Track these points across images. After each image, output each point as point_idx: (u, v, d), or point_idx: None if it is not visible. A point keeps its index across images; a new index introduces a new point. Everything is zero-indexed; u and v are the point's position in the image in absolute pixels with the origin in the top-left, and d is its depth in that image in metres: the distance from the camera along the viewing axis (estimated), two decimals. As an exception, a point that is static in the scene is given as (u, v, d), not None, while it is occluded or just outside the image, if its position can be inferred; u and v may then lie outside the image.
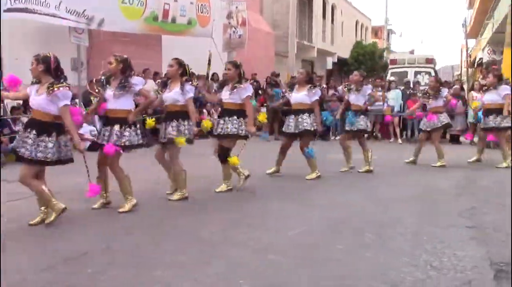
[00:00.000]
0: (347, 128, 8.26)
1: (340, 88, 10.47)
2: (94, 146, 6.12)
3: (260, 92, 14.71)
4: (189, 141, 5.92)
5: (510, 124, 8.64)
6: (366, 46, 33.50)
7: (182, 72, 6.03)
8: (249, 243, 4.45)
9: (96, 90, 5.70)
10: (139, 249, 4.27)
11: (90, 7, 11.46)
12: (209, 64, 13.03)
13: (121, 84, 5.38)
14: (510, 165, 8.55)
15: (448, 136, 13.10)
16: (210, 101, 7.91)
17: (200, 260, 4.00)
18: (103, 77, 5.61)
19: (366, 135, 8.72)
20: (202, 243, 4.44)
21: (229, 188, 6.56)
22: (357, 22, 35.99)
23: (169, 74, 6.12)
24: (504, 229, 4.87)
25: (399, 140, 13.37)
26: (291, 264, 3.93)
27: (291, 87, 7.72)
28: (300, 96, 7.42)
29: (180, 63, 6.04)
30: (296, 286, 3.55)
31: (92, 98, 5.98)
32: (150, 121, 6.06)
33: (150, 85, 9.78)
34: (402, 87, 14.41)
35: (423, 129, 9.08)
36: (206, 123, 6.37)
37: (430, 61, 18.61)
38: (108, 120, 5.48)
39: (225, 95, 6.49)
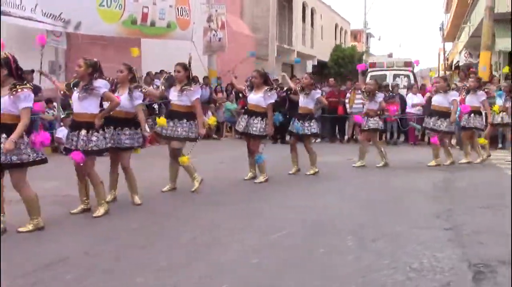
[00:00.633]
0: (290, 129, 8.27)
1: None
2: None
3: (240, 95, 14.71)
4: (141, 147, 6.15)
5: (452, 129, 9.04)
6: (346, 49, 33.80)
7: (132, 78, 6.03)
8: (232, 246, 4.45)
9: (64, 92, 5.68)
10: (120, 253, 4.24)
11: (67, 10, 11.34)
12: (189, 67, 12.96)
13: (85, 87, 5.30)
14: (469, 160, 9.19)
15: (426, 139, 13.26)
16: (150, 96, 7.80)
17: (182, 264, 3.99)
18: (73, 81, 5.57)
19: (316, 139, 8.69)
20: (184, 247, 4.43)
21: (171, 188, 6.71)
22: (336, 26, 36.25)
23: (119, 80, 6.02)
24: (481, 230, 4.95)
25: (379, 143, 13.47)
26: (274, 267, 3.95)
27: (250, 87, 7.62)
28: (256, 98, 7.36)
29: (130, 69, 6.01)
30: (278, 290, 3.57)
31: (70, 101, 5.93)
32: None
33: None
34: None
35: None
36: (162, 121, 6.31)
37: (408, 64, 18.83)
38: (74, 124, 5.44)
39: (173, 96, 6.53)
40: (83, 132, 5.24)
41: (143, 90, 6.19)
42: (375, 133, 9.28)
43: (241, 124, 7.44)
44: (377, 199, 6.48)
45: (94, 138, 5.26)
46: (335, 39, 35.62)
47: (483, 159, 9.51)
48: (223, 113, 14.56)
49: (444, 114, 8.86)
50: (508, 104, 9.96)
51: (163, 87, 6.68)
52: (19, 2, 10.49)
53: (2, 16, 10.34)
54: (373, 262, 4.05)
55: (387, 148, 12.53)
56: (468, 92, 9.53)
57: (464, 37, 23.11)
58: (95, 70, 5.35)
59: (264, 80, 7.39)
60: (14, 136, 4.50)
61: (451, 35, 30.05)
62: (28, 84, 4.73)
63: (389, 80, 16.42)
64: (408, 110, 13.59)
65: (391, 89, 14.01)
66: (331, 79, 15.58)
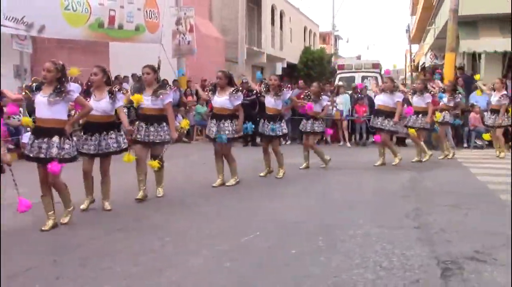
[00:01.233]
0: (261, 132, 8.18)
1: None
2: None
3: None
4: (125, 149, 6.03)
5: (397, 129, 9.37)
6: (315, 51, 34.06)
7: (107, 80, 5.90)
8: (202, 250, 4.43)
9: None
10: (88, 261, 4.17)
11: (30, 13, 11.06)
12: (158, 70, 12.87)
13: (57, 90, 4.99)
14: (400, 158, 9.35)
15: (394, 139, 13.48)
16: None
17: (153, 270, 3.95)
18: (34, 84, 5.26)
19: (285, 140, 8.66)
20: (154, 253, 4.39)
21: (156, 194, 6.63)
22: (305, 28, 36.53)
23: (94, 83, 5.81)
24: (448, 228, 5.06)
25: (348, 144, 13.65)
26: (245, 270, 3.95)
27: (213, 90, 7.43)
28: (221, 100, 7.21)
29: (104, 70, 5.87)
30: (251, 292, 3.57)
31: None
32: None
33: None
34: (350, 92, 14.73)
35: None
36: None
37: (376, 66, 19.14)
38: (41, 130, 5.06)
39: (145, 100, 6.32)
40: (56, 139, 5.00)
41: (123, 91, 6.09)
42: (317, 136, 9.28)
43: (211, 130, 7.28)
44: (346, 200, 6.55)
45: (66, 146, 5.07)
46: (304, 41, 35.89)
47: (429, 157, 9.82)
48: (193, 116, 14.50)
49: (389, 114, 9.08)
50: (451, 104, 10.28)
51: (130, 91, 6.58)
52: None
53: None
54: (343, 262, 4.09)
55: (357, 149, 12.79)
56: (414, 93, 10.01)
57: (430, 39, 23.56)
58: (63, 74, 5.15)
59: (228, 81, 7.27)
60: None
61: (417, 37, 30.60)
62: None
63: (358, 82, 16.63)
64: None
65: (359, 91, 14.19)
66: (301, 81, 15.69)
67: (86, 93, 5.82)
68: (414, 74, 30.36)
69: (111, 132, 5.85)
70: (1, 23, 10.48)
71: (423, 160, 9.73)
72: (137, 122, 6.50)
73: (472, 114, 12.66)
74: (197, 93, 14.98)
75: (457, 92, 10.47)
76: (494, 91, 10.49)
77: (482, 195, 6.74)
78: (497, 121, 10.33)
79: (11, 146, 9.29)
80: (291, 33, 32.40)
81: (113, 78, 12.53)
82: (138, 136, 6.36)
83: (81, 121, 5.79)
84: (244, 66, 19.78)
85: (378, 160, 9.39)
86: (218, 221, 5.51)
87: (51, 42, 12.76)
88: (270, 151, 8.21)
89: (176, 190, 6.98)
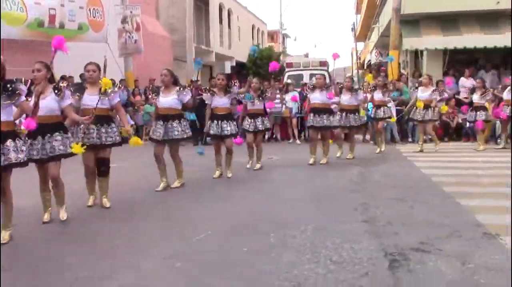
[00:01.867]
0: (211, 132, 7.89)
1: None
2: None
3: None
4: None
5: (337, 123, 9.66)
6: (263, 50, 34.23)
7: (51, 77, 5.40)
8: (154, 252, 4.38)
9: None
10: (37, 265, 4.05)
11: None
12: (104, 70, 12.62)
13: (8, 92, 4.59)
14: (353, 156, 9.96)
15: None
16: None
17: (103, 273, 3.87)
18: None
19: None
20: (105, 256, 4.30)
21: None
22: (253, 27, 36.65)
23: (37, 80, 5.28)
24: (394, 221, 5.21)
25: (298, 141, 13.81)
26: (197, 270, 3.93)
27: (156, 91, 7.11)
28: (168, 100, 6.93)
29: (47, 66, 5.36)
30: (203, 292, 3.56)
31: None
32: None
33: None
34: (299, 89, 14.90)
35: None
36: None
37: (323, 63, 19.46)
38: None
39: (91, 100, 5.83)
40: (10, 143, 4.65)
41: (71, 88, 5.70)
42: (262, 134, 9.14)
43: (158, 132, 6.91)
44: (296, 196, 6.62)
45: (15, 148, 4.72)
46: (253, 40, 36.00)
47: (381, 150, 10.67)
48: (142, 116, 14.28)
49: (352, 111, 9.57)
50: (386, 98, 10.83)
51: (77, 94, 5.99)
52: None
53: None
54: (295, 257, 4.14)
55: (306, 145, 12.89)
56: (375, 89, 10.74)
57: (374, 37, 24.17)
58: (5, 72, 4.79)
59: (174, 79, 7.04)
60: None
61: (363, 35, 31.33)
62: None
63: (306, 79, 16.84)
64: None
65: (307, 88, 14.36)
66: (250, 77, 15.70)
67: (28, 92, 5.29)
68: (360, 71, 31.07)
69: (56, 133, 5.29)
70: None
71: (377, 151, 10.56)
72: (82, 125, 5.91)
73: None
74: (145, 92, 14.80)
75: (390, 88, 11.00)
76: (421, 86, 10.77)
77: (427, 188, 6.97)
78: (426, 116, 10.60)
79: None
80: (240, 31, 32.44)
81: (58, 78, 12.24)
82: (86, 140, 5.83)
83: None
84: (192, 65, 19.62)
85: (338, 151, 10.09)
86: (168, 223, 5.45)
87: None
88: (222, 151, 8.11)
89: (126, 193, 6.85)
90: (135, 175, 8.53)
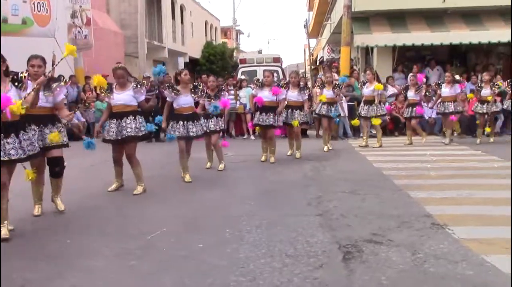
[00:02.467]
0: (177, 134, 7.36)
1: None
2: None
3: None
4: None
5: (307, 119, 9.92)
6: (217, 46, 34.13)
7: (6, 69, 4.81)
8: (105, 251, 4.29)
9: None
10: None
11: None
12: (53, 66, 12.23)
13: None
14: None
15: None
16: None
17: (52, 275, 3.77)
18: None
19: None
20: (54, 256, 4.19)
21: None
22: (206, 23, 36.44)
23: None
24: (347, 214, 5.32)
25: (252, 136, 13.85)
26: (151, 268, 3.88)
27: (109, 89, 6.63)
28: (123, 97, 6.50)
29: (3, 58, 4.79)
30: (158, 290, 3.52)
31: None
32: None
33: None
34: (253, 85, 14.92)
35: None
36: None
37: (277, 60, 19.58)
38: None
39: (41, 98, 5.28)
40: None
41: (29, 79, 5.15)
42: (218, 134, 8.60)
43: (111, 131, 6.48)
44: (251, 192, 6.65)
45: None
46: (206, 36, 35.82)
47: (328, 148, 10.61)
48: (93, 113, 13.96)
49: (297, 107, 9.41)
50: (336, 95, 10.75)
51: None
52: None
53: None
54: (250, 252, 4.16)
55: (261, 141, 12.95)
56: (323, 86, 10.85)
57: (326, 34, 24.46)
58: None
59: (128, 75, 6.65)
60: None
61: (315, 32, 31.64)
62: None
63: (259, 76, 16.89)
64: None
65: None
66: (204, 76, 15.65)
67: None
68: (313, 67, 31.41)
69: (13, 134, 4.70)
70: None
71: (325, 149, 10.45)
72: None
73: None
74: (96, 89, 14.47)
75: (337, 84, 10.81)
76: (366, 83, 10.95)
77: (378, 181, 7.14)
78: (371, 111, 10.77)
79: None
80: (193, 27, 32.18)
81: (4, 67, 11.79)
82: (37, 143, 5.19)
83: None
84: (145, 61, 19.34)
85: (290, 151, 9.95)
86: (121, 220, 5.36)
87: None
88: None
89: (76, 192, 6.67)
90: (87, 173, 8.34)
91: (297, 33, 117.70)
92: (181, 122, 7.35)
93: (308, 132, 14.11)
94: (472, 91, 12.51)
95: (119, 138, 6.50)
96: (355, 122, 11.77)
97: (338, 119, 11.35)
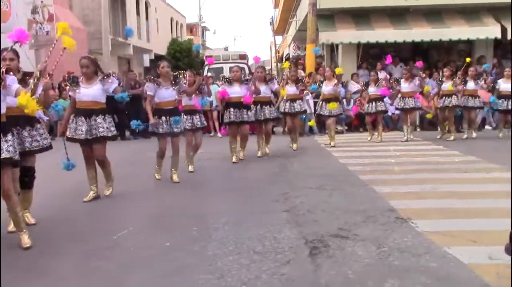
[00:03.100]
0: (161, 131, 6.98)
1: None
2: None
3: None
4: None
5: (277, 115, 9.76)
6: (182, 43, 33.91)
7: None
8: (69, 252, 4.22)
9: None
10: None
11: None
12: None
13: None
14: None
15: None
16: None
17: (17, 279, 3.68)
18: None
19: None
20: (15, 259, 4.09)
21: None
22: (172, 19, 36.14)
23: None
24: (314, 209, 5.38)
25: (219, 134, 13.82)
26: (117, 268, 3.84)
27: (75, 83, 6.15)
28: (91, 92, 6.00)
29: None
30: (125, 289, 3.49)
31: None
32: None
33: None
34: (220, 82, 14.88)
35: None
36: None
37: (243, 57, 19.59)
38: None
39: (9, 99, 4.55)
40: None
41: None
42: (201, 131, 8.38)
43: (79, 130, 5.99)
44: (218, 189, 6.65)
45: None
46: (171, 32, 35.53)
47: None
48: (58, 111, 13.64)
49: (267, 103, 9.30)
50: (299, 92, 10.53)
51: None
52: None
53: None
54: (218, 249, 4.16)
55: (227, 138, 12.94)
56: (287, 82, 10.48)
57: (292, 31, 24.61)
58: None
59: (96, 68, 6.13)
60: None
61: (281, 29, 31.78)
62: None
63: (226, 73, 16.87)
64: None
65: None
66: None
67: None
68: (279, 65, 31.53)
69: None
70: None
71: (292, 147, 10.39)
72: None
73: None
74: (59, 86, 14.17)
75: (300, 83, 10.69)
76: (324, 80, 10.83)
77: (344, 176, 7.24)
78: (332, 111, 10.55)
79: None
80: (158, 24, 31.88)
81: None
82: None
83: None
84: (109, 57, 19.04)
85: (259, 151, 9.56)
86: (86, 221, 5.29)
87: None
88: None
89: (43, 190, 6.51)
90: (49, 172, 8.15)
91: (263, 30, 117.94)
92: (163, 118, 6.92)
93: (275, 129, 14.16)
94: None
95: (89, 137, 6.02)
96: (311, 123, 11.85)
97: (304, 116, 11.40)
